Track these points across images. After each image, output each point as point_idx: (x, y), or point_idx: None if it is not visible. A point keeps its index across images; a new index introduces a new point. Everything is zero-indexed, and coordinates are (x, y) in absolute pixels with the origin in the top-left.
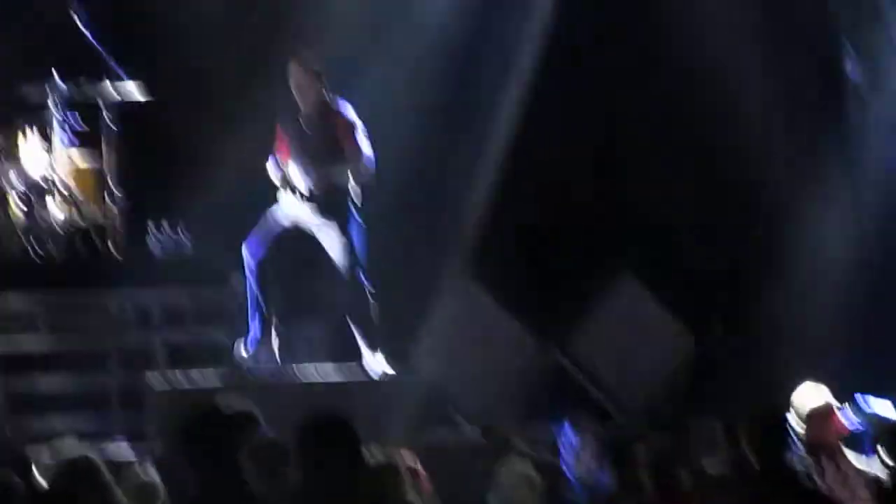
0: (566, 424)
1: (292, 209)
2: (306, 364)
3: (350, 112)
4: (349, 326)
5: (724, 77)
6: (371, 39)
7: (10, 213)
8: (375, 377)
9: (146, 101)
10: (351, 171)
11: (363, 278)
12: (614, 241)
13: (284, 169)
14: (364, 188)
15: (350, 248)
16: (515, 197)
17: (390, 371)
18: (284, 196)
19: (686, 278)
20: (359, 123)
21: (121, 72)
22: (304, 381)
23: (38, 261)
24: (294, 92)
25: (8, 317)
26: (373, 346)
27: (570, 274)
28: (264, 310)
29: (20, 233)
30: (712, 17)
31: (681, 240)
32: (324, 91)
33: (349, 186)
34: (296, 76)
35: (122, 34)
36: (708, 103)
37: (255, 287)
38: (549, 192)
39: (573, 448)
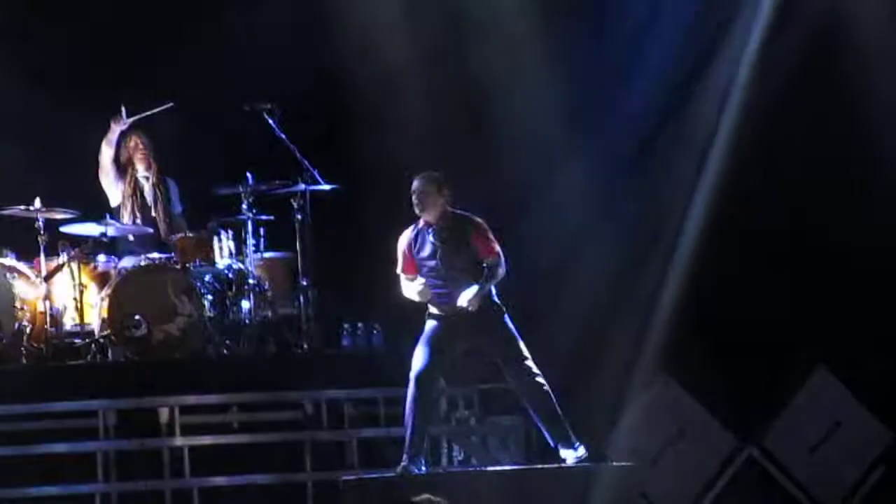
0: None
1: (444, 321)
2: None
3: (474, 217)
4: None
5: None
6: (563, 136)
7: (203, 310)
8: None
9: (338, 199)
10: (490, 271)
11: (538, 374)
12: (809, 334)
13: (417, 284)
14: (494, 281)
15: (513, 345)
16: (710, 291)
17: (582, 459)
18: (434, 310)
19: (882, 372)
20: (485, 225)
21: (314, 171)
22: (494, 469)
23: (230, 357)
24: (418, 205)
25: (202, 415)
26: (561, 439)
27: (766, 368)
28: (423, 422)
29: (213, 329)
30: None
31: (876, 333)
32: (448, 200)
33: (492, 286)
34: (421, 190)
35: (313, 136)
36: None
37: (417, 401)
38: (744, 285)
39: None
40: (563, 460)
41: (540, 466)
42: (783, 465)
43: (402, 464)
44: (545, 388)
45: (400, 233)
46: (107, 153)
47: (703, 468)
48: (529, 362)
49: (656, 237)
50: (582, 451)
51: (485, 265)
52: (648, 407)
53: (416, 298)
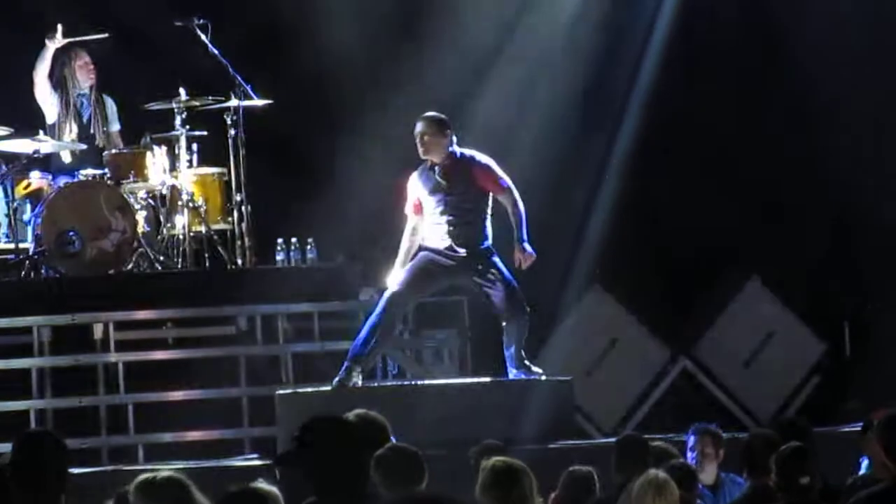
0: (693, 431)
1: (436, 255)
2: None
3: (480, 156)
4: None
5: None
6: (497, 52)
7: (137, 226)
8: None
9: (273, 114)
10: (514, 214)
11: (525, 306)
12: (743, 246)
13: (421, 225)
14: (524, 220)
15: (502, 286)
16: (643, 202)
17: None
18: (429, 244)
19: (815, 283)
20: (492, 162)
21: (247, 86)
22: (428, 382)
23: (164, 273)
24: (422, 148)
25: (136, 330)
26: (520, 366)
27: (699, 280)
28: (380, 341)
29: (146, 245)
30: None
31: (810, 244)
32: (452, 140)
33: (487, 231)
34: (423, 132)
35: (248, 52)
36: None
37: (381, 318)
38: (676, 198)
39: (699, 455)
40: (505, 375)
41: (474, 380)
42: (717, 376)
43: (338, 377)
44: (527, 325)
45: (332, 145)
46: (42, 69)
47: (637, 381)
48: (518, 302)
49: (589, 148)
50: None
51: (511, 216)
52: (581, 320)
53: (402, 250)
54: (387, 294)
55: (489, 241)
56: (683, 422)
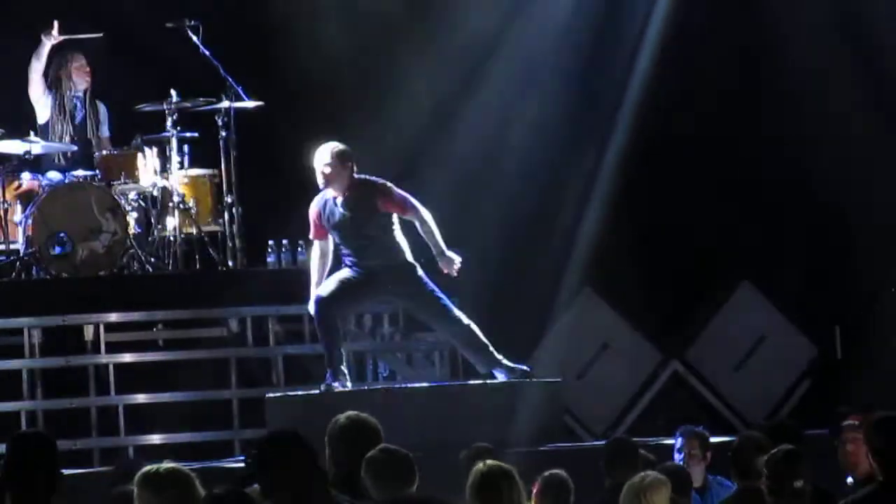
0: (680, 433)
1: (357, 274)
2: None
3: (379, 181)
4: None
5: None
6: (489, 49)
7: (128, 227)
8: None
9: (264, 116)
10: (426, 232)
11: (457, 314)
12: (734, 249)
13: (328, 249)
14: (436, 230)
15: (430, 301)
16: (635, 206)
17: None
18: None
19: (806, 287)
20: (390, 185)
21: (238, 88)
22: (419, 385)
23: (155, 275)
24: (322, 181)
25: (126, 332)
26: (492, 365)
27: (690, 284)
28: (333, 342)
29: (137, 247)
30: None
31: (801, 248)
32: (353, 170)
33: (400, 246)
34: (324, 164)
35: (239, 53)
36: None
37: (321, 324)
38: (669, 200)
39: (686, 457)
40: (493, 377)
41: (464, 383)
42: (708, 380)
43: (326, 381)
44: (469, 328)
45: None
46: (37, 67)
47: (628, 384)
48: (449, 312)
49: (581, 150)
50: (514, 372)
51: (423, 234)
52: (573, 322)
53: (314, 275)
54: (315, 306)
55: (407, 255)
56: (674, 425)
